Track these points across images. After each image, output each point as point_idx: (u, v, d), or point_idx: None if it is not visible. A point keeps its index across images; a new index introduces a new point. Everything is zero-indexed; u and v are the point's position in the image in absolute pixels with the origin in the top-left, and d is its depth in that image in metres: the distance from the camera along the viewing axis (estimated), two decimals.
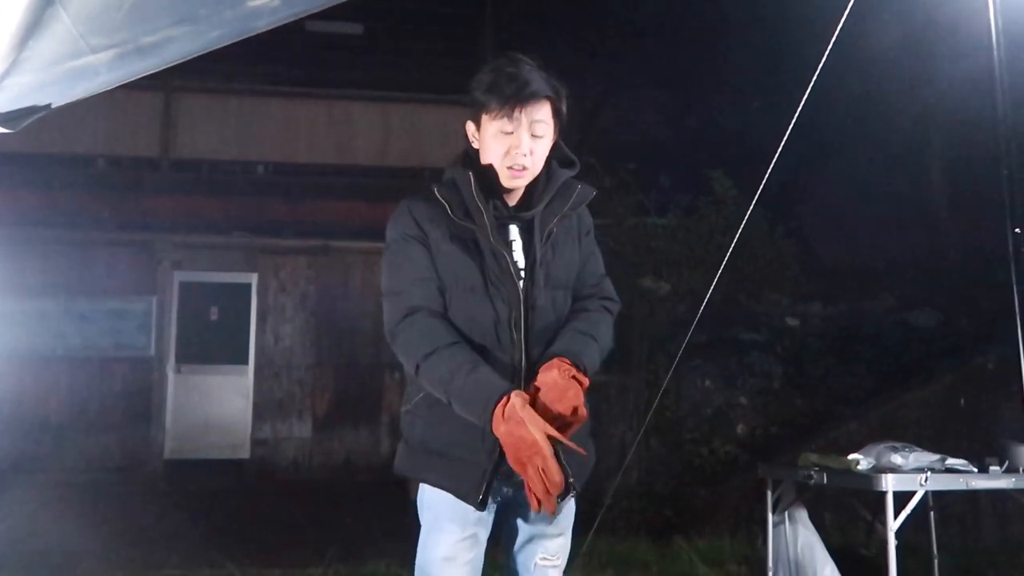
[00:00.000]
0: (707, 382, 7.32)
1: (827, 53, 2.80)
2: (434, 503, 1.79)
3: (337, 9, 1.58)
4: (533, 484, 1.60)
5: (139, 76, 1.40)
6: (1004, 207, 2.85)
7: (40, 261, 8.39)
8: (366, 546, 5.17)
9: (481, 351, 1.72)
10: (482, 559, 1.83)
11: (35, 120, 1.42)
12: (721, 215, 8.27)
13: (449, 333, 1.72)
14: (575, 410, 1.66)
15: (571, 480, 1.72)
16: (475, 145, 1.86)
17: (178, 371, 8.75)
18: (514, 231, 1.82)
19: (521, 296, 1.76)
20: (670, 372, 4.69)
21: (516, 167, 1.79)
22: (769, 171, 2.99)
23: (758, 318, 7.86)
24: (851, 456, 3.55)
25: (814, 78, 2.85)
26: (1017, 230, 2.76)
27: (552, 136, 1.84)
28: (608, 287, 1.96)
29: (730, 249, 3.29)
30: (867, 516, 4.07)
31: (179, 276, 8.89)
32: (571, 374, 1.69)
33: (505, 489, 1.80)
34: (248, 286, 9.03)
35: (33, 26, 1.17)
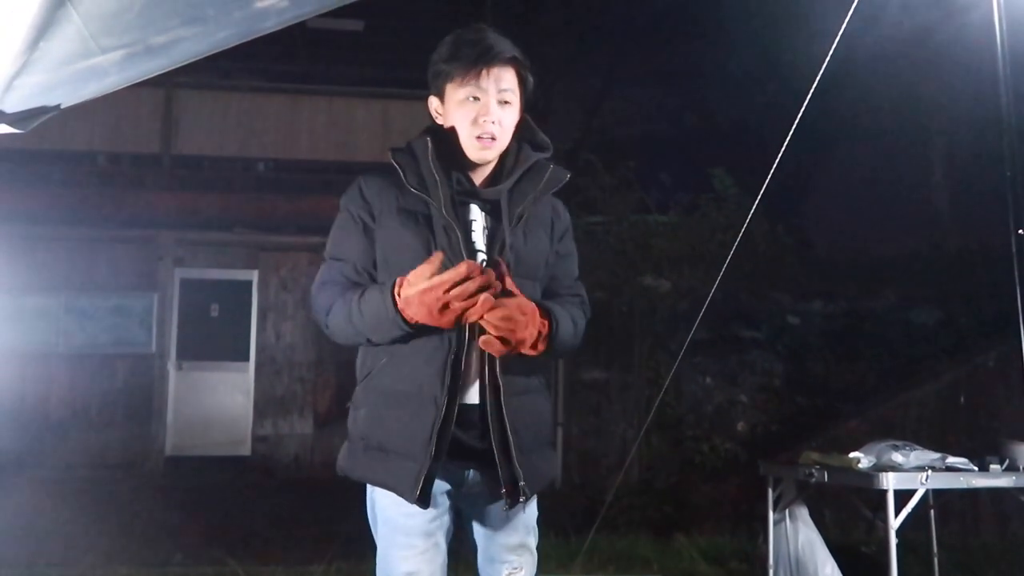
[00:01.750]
0: (708, 379, 7.34)
1: (831, 51, 2.81)
2: (389, 517, 1.70)
3: (339, 7, 1.58)
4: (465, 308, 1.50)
5: (148, 76, 1.40)
6: (1007, 208, 2.85)
7: (41, 258, 8.40)
8: (368, 543, 5.17)
9: (415, 327, 1.58)
10: (446, 563, 1.73)
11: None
12: (722, 213, 8.28)
13: (346, 286, 1.67)
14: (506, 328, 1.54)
15: (522, 484, 1.65)
16: (439, 121, 1.74)
17: (179, 368, 8.76)
18: (476, 211, 1.70)
19: None
20: (672, 370, 4.70)
21: (485, 136, 1.67)
22: (772, 170, 3.00)
23: (759, 316, 7.88)
24: (852, 454, 3.55)
25: (818, 77, 2.86)
26: (1021, 231, 2.76)
27: (519, 106, 1.73)
28: (584, 292, 1.87)
29: (733, 248, 3.30)
30: (868, 514, 4.08)
31: (180, 273, 8.90)
32: (537, 322, 1.58)
33: (452, 495, 1.72)
34: (249, 283, 9.04)
35: (44, 26, 1.18)
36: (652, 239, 8.33)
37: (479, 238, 1.69)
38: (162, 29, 1.29)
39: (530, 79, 1.75)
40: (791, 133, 3.04)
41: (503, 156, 1.74)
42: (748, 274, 7.94)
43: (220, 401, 8.84)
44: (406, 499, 1.62)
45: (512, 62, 1.70)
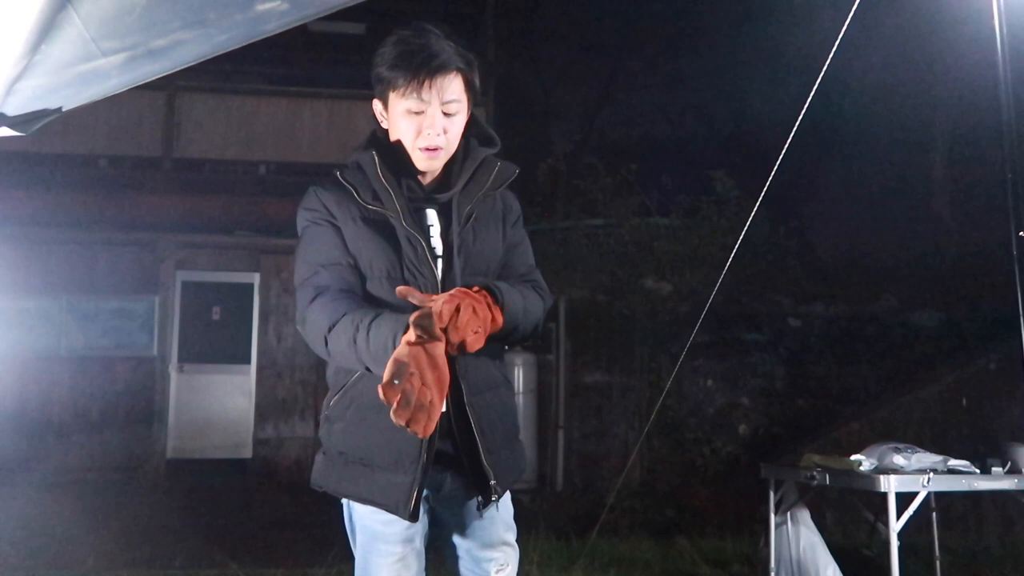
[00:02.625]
0: (709, 382, 7.33)
1: (832, 54, 2.81)
2: (366, 526, 1.68)
3: (340, 10, 1.58)
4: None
5: (149, 79, 1.40)
6: (1008, 210, 2.85)
7: (43, 261, 8.41)
8: None
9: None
10: (424, 568, 1.73)
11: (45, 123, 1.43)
12: (723, 215, 8.29)
13: (353, 302, 1.57)
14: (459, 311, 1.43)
15: (493, 482, 1.65)
16: (384, 125, 1.71)
17: (181, 370, 8.77)
18: (432, 215, 1.69)
19: (439, 284, 1.62)
20: (673, 372, 4.70)
21: (430, 147, 1.64)
22: (773, 173, 3.00)
23: (760, 318, 7.87)
24: (853, 457, 3.56)
25: (818, 80, 2.86)
26: (1021, 233, 2.76)
27: (466, 112, 1.69)
28: (540, 279, 1.80)
29: (734, 250, 3.30)
30: (869, 517, 4.08)
31: (181, 275, 8.91)
32: (481, 298, 1.48)
33: (430, 499, 1.71)
34: (250, 286, 9.05)
35: (46, 29, 1.18)
36: (653, 242, 8.34)
37: (437, 243, 1.67)
38: (163, 32, 1.29)
39: (476, 81, 1.70)
40: (792, 136, 3.04)
41: (451, 158, 1.72)
42: (749, 277, 7.95)
43: (221, 404, 8.84)
44: (398, 516, 1.61)
45: (456, 71, 1.64)
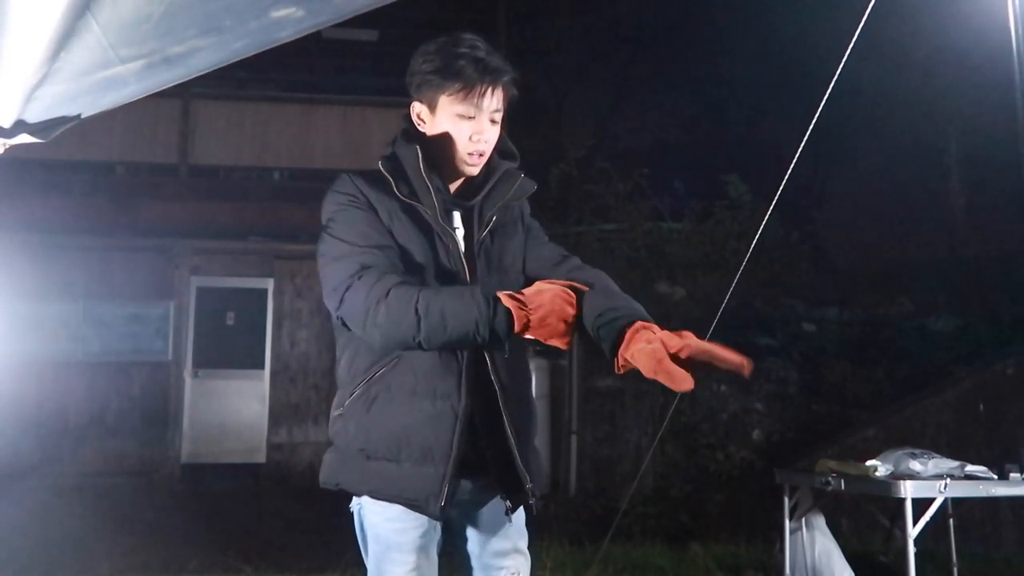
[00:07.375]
0: (723, 387, 7.30)
1: (845, 57, 2.80)
2: (379, 534, 1.67)
3: (353, 16, 1.59)
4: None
5: (166, 86, 1.42)
6: None
7: (59, 266, 8.49)
8: None
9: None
10: (437, 573, 1.73)
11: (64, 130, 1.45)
12: (736, 220, 8.26)
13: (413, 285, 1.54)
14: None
15: (530, 486, 1.66)
16: (421, 128, 1.72)
17: (195, 375, 8.82)
18: (457, 218, 1.72)
19: (467, 282, 1.65)
20: None
21: (475, 153, 1.68)
22: (787, 177, 2.99)
23: (774, 323, 7.84)
24: (869, 462, 3.53)
25: (831, 83, 2.85)
26: None
27: (503, 121, 1.74)
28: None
29: (747, 255, 3.29)
30: (885, 523, 4.05)
31: (196, 281, 8.96)
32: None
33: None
34: (264, 291, 9.09)
35: (65, 37, 1.19)
36: (666, 246, 8.32)
37: (461, 244, 1.70)
38: (180, 39, 1.30)
39: (515, 93, 1.73)
40: (805, 139, 3.03)
41: None
42: (763, 281, 7.91)
43: (235, 409, 8.88)
44: (427, 512, 1.61)
45: (508, 84, 1.69)
